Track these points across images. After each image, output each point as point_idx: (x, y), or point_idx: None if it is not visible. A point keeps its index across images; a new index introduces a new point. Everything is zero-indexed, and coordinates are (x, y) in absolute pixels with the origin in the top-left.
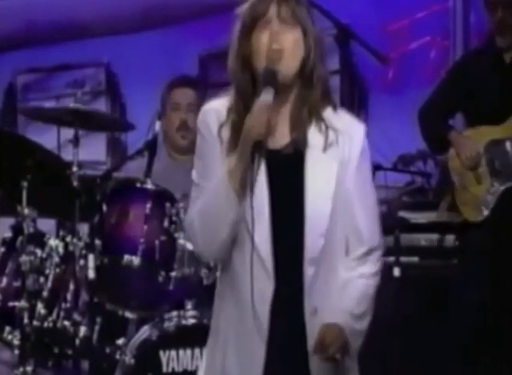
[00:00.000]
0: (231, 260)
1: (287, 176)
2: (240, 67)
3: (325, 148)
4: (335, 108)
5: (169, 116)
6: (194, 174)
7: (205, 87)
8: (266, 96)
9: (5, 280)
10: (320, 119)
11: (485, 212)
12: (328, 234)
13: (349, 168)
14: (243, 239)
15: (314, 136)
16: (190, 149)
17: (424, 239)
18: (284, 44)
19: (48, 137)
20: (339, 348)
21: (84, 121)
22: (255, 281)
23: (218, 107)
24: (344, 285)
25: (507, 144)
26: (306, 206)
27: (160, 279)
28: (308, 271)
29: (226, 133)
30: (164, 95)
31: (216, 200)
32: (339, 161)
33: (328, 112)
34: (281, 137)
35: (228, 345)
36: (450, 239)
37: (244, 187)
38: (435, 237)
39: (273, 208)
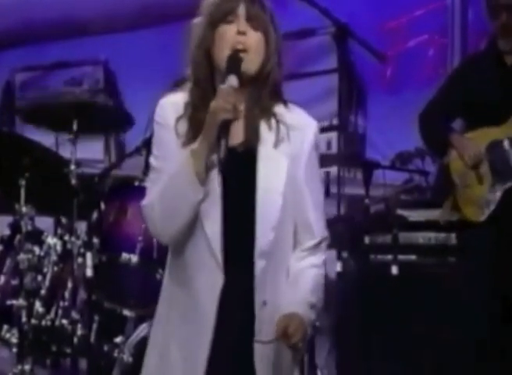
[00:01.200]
0: (182, 250)
1: (240, 172)
2: (202, 59)
3: (276, 143)
4: (286, 104)
5: None
6: (152, 160)
7: None
8: (231, 81)
9: (2, 279)
10: (271, 115)
11: (487, 212)
12: (279, 228)
13: (300, 162)
14: (195, 230)
15: (265, 132)
16: None
17: (422, 237)
18: (248, 42)
19: (46, 135)
20: (301, 337)
21: (84, 116)
22: (205, 272)
23: (175, 100)
24: (297, 275)
25: (506, 144)
26: (257, 201)
27: (158, 277)
28: (259, 264)
29: (183, 126)
30: None
31: (178, 182)
32: (290, 156)
33: (279, 108)
34: (235, 135)
35: (173, 331)
36: (448, 237)
37: (207, 169)
38: (433, 235)
39: (225, 202)
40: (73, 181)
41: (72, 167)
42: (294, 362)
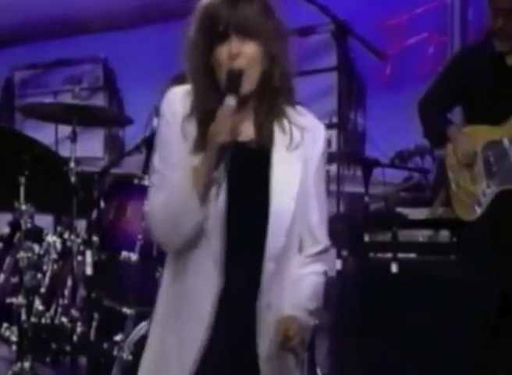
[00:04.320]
0: (183, 250)
1: (250, 171)
2: (200, 72)
3: (291, 147)
4: (294, 106)
5: None
6: (156, 159)
7: None
8: (229, 102)
9: (2, 277)
10: (283, 116)
11: (478, 212)
12: (289, 233)
13: (310, 167)
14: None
15: (278, 134)
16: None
17: (421, 235)
18: (243, 62)
19: (45, 133)
20: (300, 341)
21: (82, 117)
22: (203, 273)
23: (183, 96)
24: (296, 281)
25: (504, 145)
26: (270, 205)
27: (157, 275)
28: (268, 267)
29: (190, 127)
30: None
31: (180, 200)
32: (303, 160)
33: (290, 111)
34: (246, 131)
35: (170, 330)
36: (447, 235)
37: (207, 190)
38: (432, 233)
39: (230, 199)
40: (73, 179)
41: (72, 165)
42: (295, 364)
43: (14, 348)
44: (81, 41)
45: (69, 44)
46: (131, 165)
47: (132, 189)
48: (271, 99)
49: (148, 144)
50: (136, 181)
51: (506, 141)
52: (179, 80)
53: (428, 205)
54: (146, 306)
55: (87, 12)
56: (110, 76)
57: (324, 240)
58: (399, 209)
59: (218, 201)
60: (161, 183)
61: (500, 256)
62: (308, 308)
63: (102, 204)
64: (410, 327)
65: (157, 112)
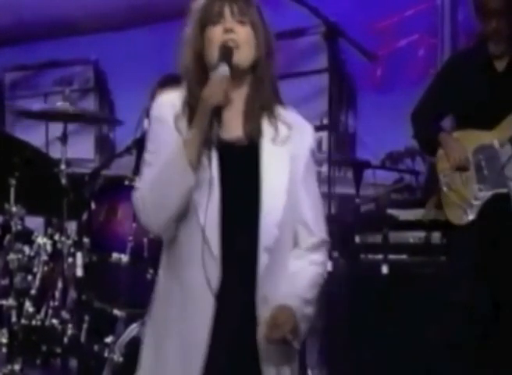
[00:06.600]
0: (177, 244)
1: (241, 167)
2: (193, 62)
3: (279, 141)
4: (283, 105)
5: None
6: (146, 156)
7: None
8: (223, 70)
9: None
10: (272, 113)
11: (470, 216)
12: (282, 225)
13: (299, 163)
14: (191, 224)
15: (267, 129)
16: None
17: (412, 236)
18: (237, 38)
19: (36, 135)
20: (290, 330)
21: (73, 119)
22: (202, 267)
23: (172, 100)
24: (296, 271)
25: (495, 150)
26: (262, 197)
27: (148, 276)
28: (262, 259)
29: (183, 124)
30: (153, 94)
31: (170, 170)
32: (292, 155)
33: (279, 109)
34: (234, 130)
35: (169, 329)
36: (438, 236)
37: (199, 158)
38: (423, 234)
39: (224, 196)
40: (63, 181)
41: (63, 167)
42: (289, 357)
43: (4, 350)
44: (72, 42)
45: (60, 46)
46: (122, 166)
47: (122, 191)
48: (262, 92)
49: (139, 145)
50: (126, 183)
51: (496, 145)
52: (166, 81)
53: (418, 207)
54: (137, 308)
55: (77, 14)
56: (101, 78)
57: (320, 233)
58: (389, 211)
59: (213, 196)
60: (148, 171)
61: (488, 259)
62: (304, 297)
63: (93, 205)
64: (401, 329)
65: (147, 113)
